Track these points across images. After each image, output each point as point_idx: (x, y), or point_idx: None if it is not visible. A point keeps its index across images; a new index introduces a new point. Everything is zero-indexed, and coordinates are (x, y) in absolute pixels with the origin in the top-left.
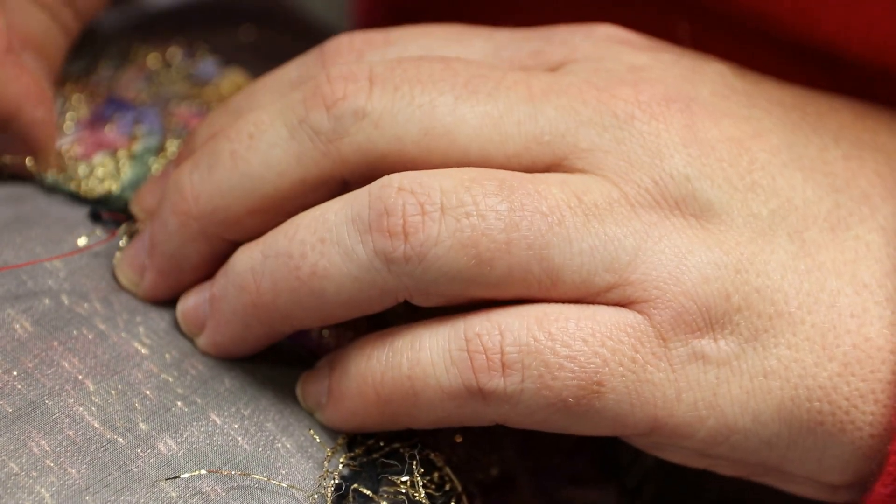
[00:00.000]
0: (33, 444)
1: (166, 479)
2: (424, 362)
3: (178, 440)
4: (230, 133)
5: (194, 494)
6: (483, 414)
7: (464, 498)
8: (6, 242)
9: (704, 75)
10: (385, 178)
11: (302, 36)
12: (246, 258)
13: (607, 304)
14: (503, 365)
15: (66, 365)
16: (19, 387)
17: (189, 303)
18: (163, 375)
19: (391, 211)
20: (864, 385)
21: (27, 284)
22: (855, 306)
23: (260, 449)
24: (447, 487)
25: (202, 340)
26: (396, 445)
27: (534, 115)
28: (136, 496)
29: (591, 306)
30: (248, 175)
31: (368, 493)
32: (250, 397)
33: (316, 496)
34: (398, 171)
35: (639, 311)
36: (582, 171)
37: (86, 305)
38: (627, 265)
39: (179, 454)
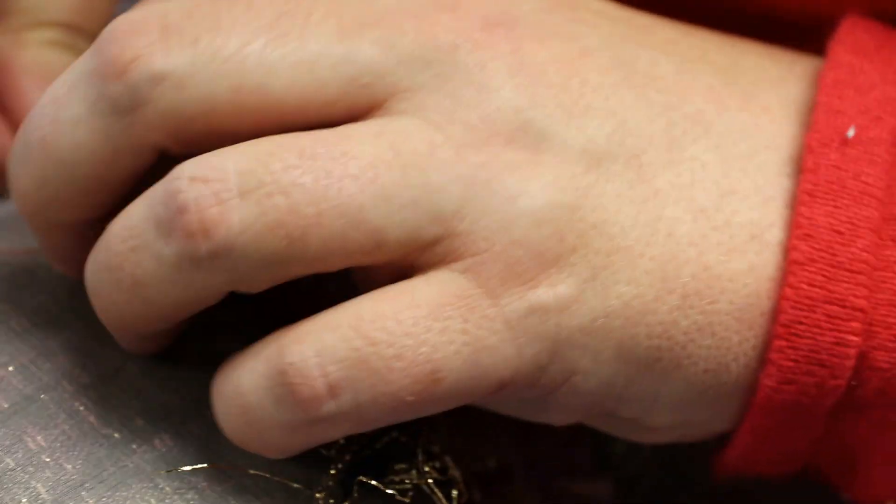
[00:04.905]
0: (29, 439)
1: (167, 472)
2: (253, 405)
3: (175, 435)
4: (34, 113)
5: (190, 489)
6: (333, 433)
7: (461, 486)
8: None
9: None
10: (177, 169)
11: None
12: (86, 273)
13: (431, 266)
14: (330, 387)
15: (62, 360)
16: (15, 382)
17: None
18: (159, 370)
19: (184, 207)
20: (701, 318)
21: (23, 281)
22: (693, 234)
23: None
24: (450, 474)
25: None
26: (395, 434)
27: (349, 54)
28: (132, 491)
29: (409, 284)
30: (62, 161)
31: (374, 482)
32: None
33: (318, 495)
34: (210, 133)
35: (464, 271)
36: (404, 112)
37: (83, 301)
38: (454, 215)
39: (176, 449)
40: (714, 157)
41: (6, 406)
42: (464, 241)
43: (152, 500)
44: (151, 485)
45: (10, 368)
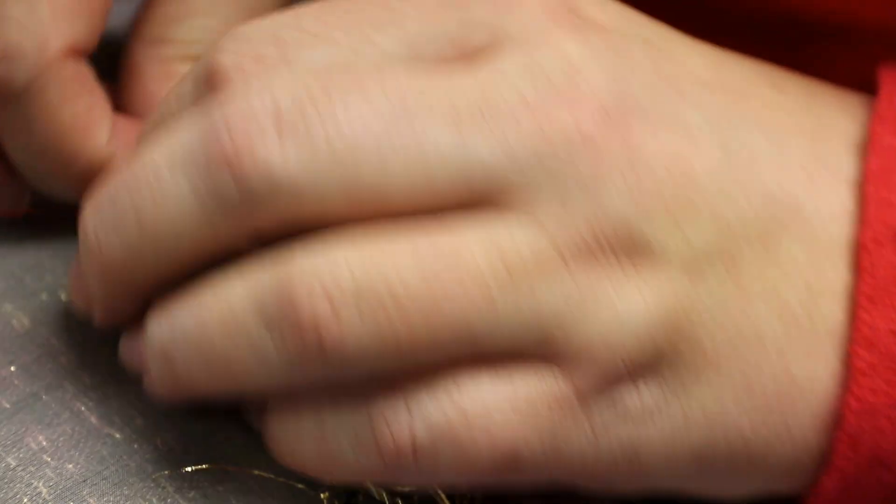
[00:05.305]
0: (31, 438)
1: (170, 473)
2: (330, 441)
3: (176, 435)
4: (129, 181)
5: (192, 489)
6: (400, 481)
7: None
8: None
9: (634, 61)
10: (289, 262)
11: None
12: (158, 334)
13: (529, 363)
14: (414, 447)
15: (64, 360)
16: (17, 381)
17: (126, 349)
18: None
19: (298, 306)
20: (780, 423)
21: (24, 280)
22: (779, 337)
23: (263, 446)
24: None
25: None
26: None
27: (463, 152)
28: (134, 490)
29: (510, 370)
30: (158, 238)
31: (381, 490)
32: None
33: (322, 495)
34: (317, 223)
35: (561, 374)
36: (514, 211)
37: None
38: (556, 329)
39: (177, 449)
40: (806, 252)
41: (8, 406)
42: (562, 350)
43: (154, 500)
44: (153, 484)
45: (13, 368)
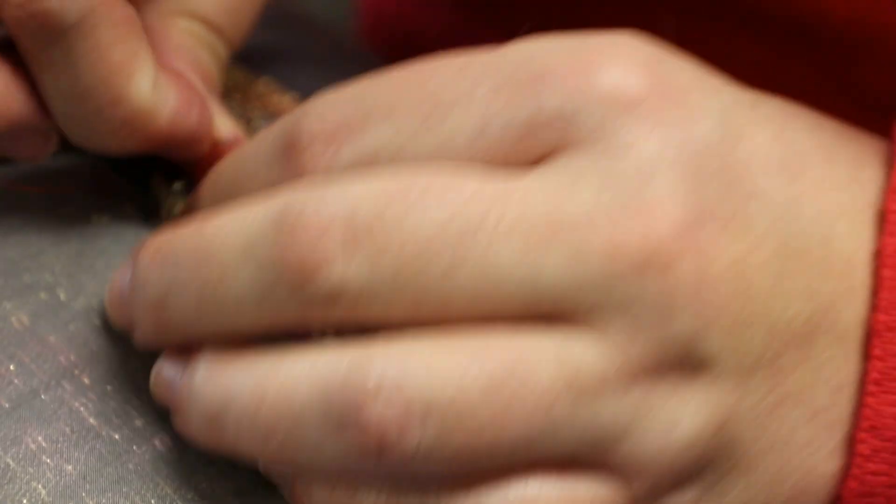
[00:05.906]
0: (29, 439)
1: (167, 473)
2: None
3: (175, 436)
4: (198, 251)
5: (190, 490)
6: None
7: None
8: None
9: (707, 149)
10: (362, 368)
11: (302, 34)
12: (209, 393)
13: (586, 469)
14: None
15: (63, 360)
16: (16, 381)
17: (161, 382)
18: None
19: (368, 422)
20: None
21: (23, 278)
22: (807, 436)
23: None
24: None
25: None
26: None
27: (534, 276)
28: (132, 491)
29: (568, 475)
30: (221, 310)
31: None
32: None
33: None
34: (381, 324)
35: (615, 481)
36: (583, 327)
37: (82, 300)
38: (614, 443)
39: (176, 450)
40: (836, 351)
41: (6, 405)
42: (618, 462)
43: (152, 500)
44: (152, 484)
45: (11, 367)
